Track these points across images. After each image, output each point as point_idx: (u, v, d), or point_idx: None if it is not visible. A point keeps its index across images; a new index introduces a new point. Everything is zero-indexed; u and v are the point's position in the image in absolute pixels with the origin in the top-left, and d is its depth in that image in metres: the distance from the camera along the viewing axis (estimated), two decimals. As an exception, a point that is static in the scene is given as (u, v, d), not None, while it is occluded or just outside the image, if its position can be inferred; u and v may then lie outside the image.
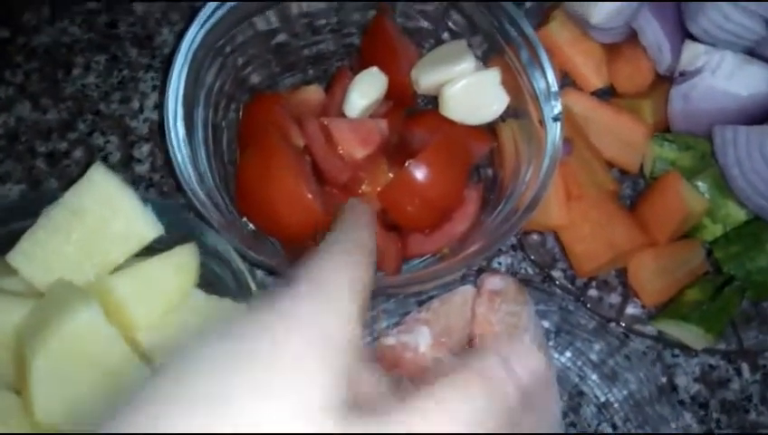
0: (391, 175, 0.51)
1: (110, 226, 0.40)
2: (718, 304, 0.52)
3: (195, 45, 0.47)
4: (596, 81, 0.61)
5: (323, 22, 0.56)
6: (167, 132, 0.44)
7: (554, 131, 0.48)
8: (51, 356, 0.36)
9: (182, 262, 0.42)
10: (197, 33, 0.47)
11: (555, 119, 0.48)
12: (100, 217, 0.40)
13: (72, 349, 0.36)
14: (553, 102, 0.48)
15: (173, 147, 0.44)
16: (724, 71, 0.54)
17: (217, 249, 0.44)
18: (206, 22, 0.47)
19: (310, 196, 0.47)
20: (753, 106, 0.54)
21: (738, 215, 0.54)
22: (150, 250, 0.43)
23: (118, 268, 0.42)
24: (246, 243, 0.43)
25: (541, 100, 0.49)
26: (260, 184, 0.47)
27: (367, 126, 0.50)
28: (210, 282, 0.45)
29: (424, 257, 0.52)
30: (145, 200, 0.43)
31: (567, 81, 0.63)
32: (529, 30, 0.49)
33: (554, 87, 0.49)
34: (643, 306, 0.56)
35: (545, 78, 0.49)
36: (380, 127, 0.50)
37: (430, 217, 0.51)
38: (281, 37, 0.55)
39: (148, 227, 0.42)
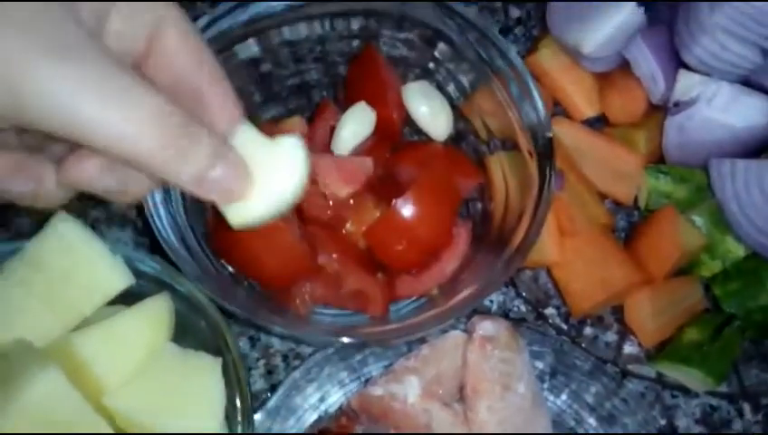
0: (378, 213, 0.49)
1: (75, 278, 0.37)
2: (719, 346, 0.50)
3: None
4: (587, 109, 0.59)
5: (307, 50, 0.53)
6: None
7: (546, 166, 0.46)
8: (15, 427, 0.33)
9: (154, 314, 0.39)
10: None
11: (545, 155, 0.46)
12: (64, 269, 0.37)
13: (36, 418, 0.33)
14: (544, 136, 0.46)
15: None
16: (720, 101, 0.52)
17: (192, 298, 0.41)
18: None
19: (291, 237, 0.44)
20: (750, 138, 0.53)
21: (737, 250, 0.52)
22: (126, 297, 0.41)
23: (85, 322, 0.39)
24: (221, 293, 0.40)
25: (531, 132, 0.47)
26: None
27: (352, 163, 0.48)
28: (184, 332, 0.42)
29: (412, 299, 0.50)
30: (113, 249, 0.40)
31: (558, 109, 0.61)
32: (517, 61, 0.47)
33: (545, 119, 0.47)
34: (640, 345, 0.53)
35: (535, 110, 0.47)
36: (366, 165, 0.48)
37: (418, 256, 0.49)
38: (263, 66, 0.53)
39: (116, 279, 0.39)
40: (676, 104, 0.54)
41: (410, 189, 0.47)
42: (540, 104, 0.47)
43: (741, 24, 0.52)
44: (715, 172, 0.52)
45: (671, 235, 0.52)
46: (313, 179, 0.47)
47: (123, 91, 0.25)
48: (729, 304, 0.52)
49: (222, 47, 0.48)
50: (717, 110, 0.52)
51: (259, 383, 0.52)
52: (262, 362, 0.53)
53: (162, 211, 0.43)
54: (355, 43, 0.53)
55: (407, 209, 0.47)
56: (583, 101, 0.59)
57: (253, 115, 0.53)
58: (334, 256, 0.47)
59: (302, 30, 0.51)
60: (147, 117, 0.25)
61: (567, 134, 0.57)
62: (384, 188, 0.51)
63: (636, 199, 0.57)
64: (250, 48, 0.50)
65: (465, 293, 0.44)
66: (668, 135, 0.55)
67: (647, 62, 0.55)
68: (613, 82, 0.57)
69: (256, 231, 0.44)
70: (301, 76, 0.55)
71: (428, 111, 0.51)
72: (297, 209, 0.48)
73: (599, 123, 0.60)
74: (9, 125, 0.25)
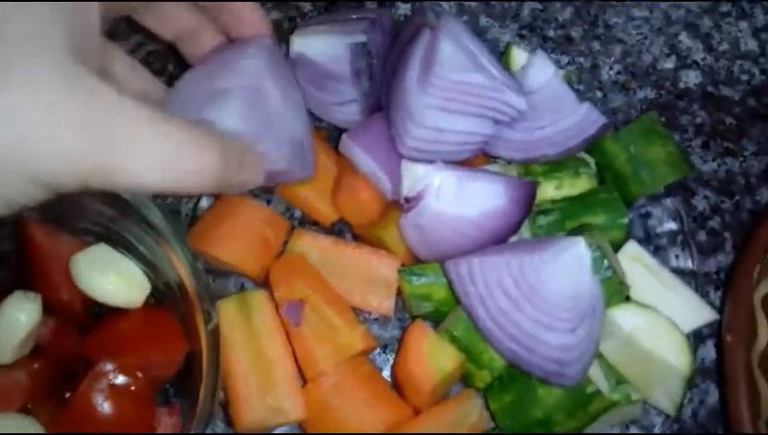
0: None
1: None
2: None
3: None
4: (331, 212, 0.52)
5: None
6: None
7: (212, 343, 0.38)
8: None
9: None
10: None
11: (211, 330, 0.38)
12: None
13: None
14: (208, 308, 0.39)
15: None
16: (448, 193, 0.45)
17: None
18: None
19: None
20: (493, 224, 0.46)
21: (500, 359, 0.45)
22: None
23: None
24: None
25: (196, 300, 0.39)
26: None
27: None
28: None
29: None
30: None
31: (305, 218, 0.53)
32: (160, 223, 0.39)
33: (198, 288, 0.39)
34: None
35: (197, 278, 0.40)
36: (20, 380, 0.39)
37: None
38: None
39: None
40: (407, 200, 0.47)
41: (85, 382, 0.39)
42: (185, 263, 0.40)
43: (457, 100, 0.45)
44: (453, 276, 0.45)
45: (422, 359, 0.44)
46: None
47: (182, 145, 0.30)
48: (505, 420, 0.45)
49: None
50: (447, 202, 0.45)
51: None
52: None
53: None
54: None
55: (83, 413, 0.39)
56: (324, 205, 0.52)
57: None
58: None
59: None
60: (208, 163, 0.32)
61: (311, 249, 0.50)
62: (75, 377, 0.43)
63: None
64: None
65: None
66: (408, 235, 0.48)
67: (364, 161, 0.48)
68: (340, 181, 0.50)
69: None
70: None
71: (106, 283, 0.42)
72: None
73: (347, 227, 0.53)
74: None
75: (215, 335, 0.38)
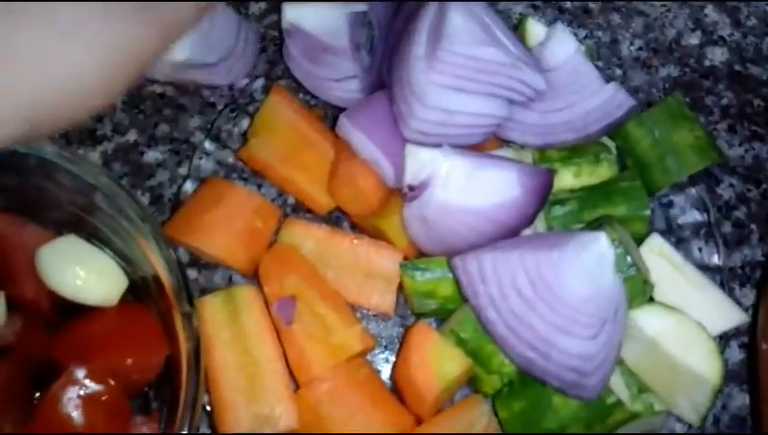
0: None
1: None
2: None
3: None
4: (326, 200, 0.47)
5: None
6: None
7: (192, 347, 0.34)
8: None
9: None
10: None
11: (191, 333, 0.34)
12: None
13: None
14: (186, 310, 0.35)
15: None
16: (456, 181, 0.41)
17: None
18: None
19: None
20: (504, 215, 0.41)
21: (511, 364, 0.41)
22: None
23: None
24: None
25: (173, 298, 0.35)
26: None
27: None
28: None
29: None
30: None
31: (298, 206, 0.49)
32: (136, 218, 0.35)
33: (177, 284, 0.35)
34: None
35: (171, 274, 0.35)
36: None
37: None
38: None
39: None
40: (411, 188, 0.43)
41: (51, 390, 0.35)
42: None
43: (467, 78, 0.40)
44: (461, 274, 0.40)
45: (425, 364, 0.40)
46: None
47: None
48: (514, 430, 0.41)
49: None
50: (455, 191, 0.41)
51: None
52: None
53: None
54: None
55: (54, 420, 0.35)
56: (319, 191, 0.47)
57: None
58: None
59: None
60: None
61: (302, 238, 0.46)
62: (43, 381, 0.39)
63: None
64: None
65: None
66: (412, 226, 0.43)
67: (363, 143, 0.43)
68: (336, 166, 0.45)
69: None
70: None
71: (74, 278, 0.38)
72: None
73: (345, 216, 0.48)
74: None
75: (194, 338, 0.34)
